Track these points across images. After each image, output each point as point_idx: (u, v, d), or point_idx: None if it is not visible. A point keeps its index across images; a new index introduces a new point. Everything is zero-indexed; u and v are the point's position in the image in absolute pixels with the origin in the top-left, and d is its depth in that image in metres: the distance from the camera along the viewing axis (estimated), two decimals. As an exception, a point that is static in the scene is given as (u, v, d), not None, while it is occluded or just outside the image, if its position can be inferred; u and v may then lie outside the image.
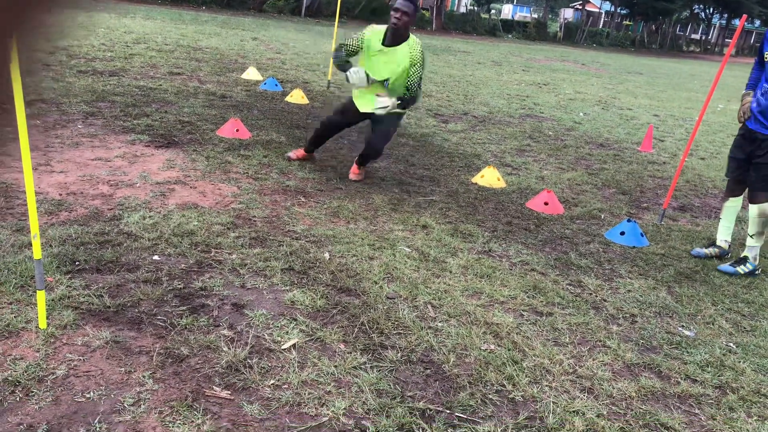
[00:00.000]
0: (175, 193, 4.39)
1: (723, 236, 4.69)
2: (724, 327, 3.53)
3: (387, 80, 5.04)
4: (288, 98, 8.39)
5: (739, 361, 3.14)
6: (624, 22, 55.17)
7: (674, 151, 8.68)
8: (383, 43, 5.01)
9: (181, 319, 2.81)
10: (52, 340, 2.52)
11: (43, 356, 2.41)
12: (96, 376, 2.35)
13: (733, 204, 4.63)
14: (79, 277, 3.03)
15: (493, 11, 57.42)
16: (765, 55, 4.29)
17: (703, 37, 61.33)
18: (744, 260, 4.41)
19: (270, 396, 2.38)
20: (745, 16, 5.25)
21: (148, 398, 2.27)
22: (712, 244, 4.71)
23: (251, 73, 9.79)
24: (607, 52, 36.58)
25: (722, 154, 8.93)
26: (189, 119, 6.50)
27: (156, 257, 3.37)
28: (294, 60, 12.83)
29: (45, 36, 0.47)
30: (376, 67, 5.04)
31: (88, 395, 2.24)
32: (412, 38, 5.03)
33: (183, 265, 3.32)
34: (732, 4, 49.17)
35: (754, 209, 4.37)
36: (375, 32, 5.08)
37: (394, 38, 4.99)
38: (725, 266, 4.42)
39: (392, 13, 4.93)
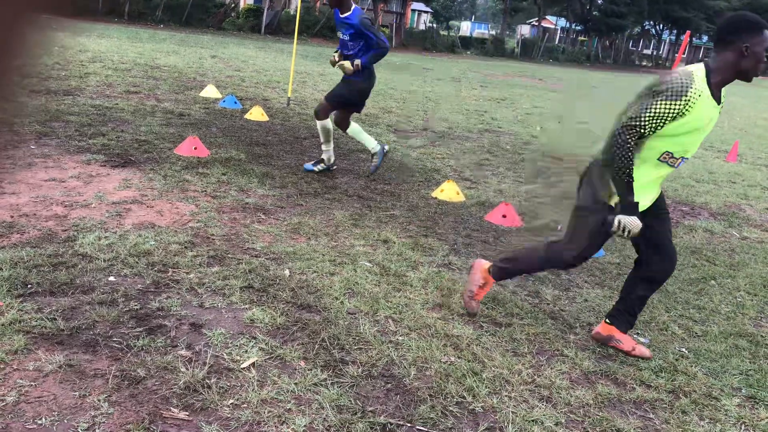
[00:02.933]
0: (132, 212, 4.32)
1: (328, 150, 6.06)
2: (677, 333, 3.62)
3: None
4: (247, 116, 8.37)
5: (691, 366, 3.22)
6: (579, 38, 56.59)
7: (628, 162, 8.92)
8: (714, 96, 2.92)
9: (138, 340, 2.76)
10: (1, 366, 2.45)
11: (-7, 383, 2.34)
12: (48, 402, 2.29)
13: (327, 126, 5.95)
14: (32, 301, 2.96)
15: (452, 28, 58.27)
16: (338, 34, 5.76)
17: (655, 52, 63.27)
18: (321, 161, 6.04)
19: (229, 416, 2.36)
20: (689, 32, 5.46)
21: (104, 422, 2.22)
22: (321, 161, 6.07)
23: (210, 91, 9.74)
24: (564, 67, 37.42)
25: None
26: (146, 138, 6.42)
27: (112, 278, 3.31)
28: (254, 77, 12.81)
29: (18, 54, 0.48)
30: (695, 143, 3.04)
31: (39, 421, 2.18)
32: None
33: (140, 286, 3.27)
34: (680, 21, 50.91)
35: (318, 124, 5.92)
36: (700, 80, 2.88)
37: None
38: (307, 165, 6.08)
39: None
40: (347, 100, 5.81)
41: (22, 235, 3.70)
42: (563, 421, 2.61)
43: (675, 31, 58.47)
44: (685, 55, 58.47)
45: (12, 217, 3.95)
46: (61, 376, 2.45)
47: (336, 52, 5.76)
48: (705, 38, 63.54)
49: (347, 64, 5.61)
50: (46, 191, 4.49)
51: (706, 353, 3.41)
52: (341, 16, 5.61)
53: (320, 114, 5.84)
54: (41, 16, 0.47)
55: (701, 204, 7.02)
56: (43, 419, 2.19)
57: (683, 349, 3.42)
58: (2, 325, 2.70)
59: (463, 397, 2.68)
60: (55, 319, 2.83)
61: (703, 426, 2.72)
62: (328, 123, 5.86)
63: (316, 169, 5.98)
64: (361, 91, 5.82)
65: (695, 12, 50.46)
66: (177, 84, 10.42)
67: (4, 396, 2.28)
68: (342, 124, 5.95)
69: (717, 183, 8.31)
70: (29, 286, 3.09)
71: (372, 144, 6.00)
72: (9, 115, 0.51)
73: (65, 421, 2.20)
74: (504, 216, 5.28)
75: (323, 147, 6.00)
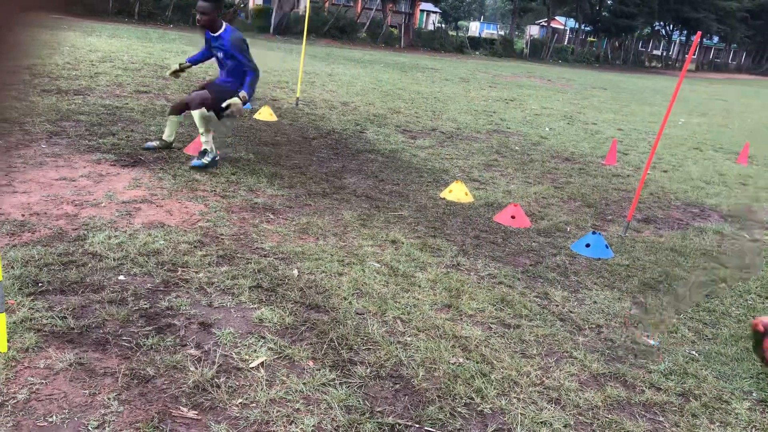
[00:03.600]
0: (142, 212, 4.34)
1: (167, 135, 5.96)
2: (687, 335, 3.60)
3: None
4: (256, 116, 8.38)
5: (702, 369, 3.20)
6: (588, 38, 56.37)
7: (638, 164, 8.87)
8: None
9: (147, 339, 2.77)
10: (13, 364, 2.46)
11: (3, 380, 2.36)
12: (59, 400, 2.31)
13: (175, 119, 5.89)
14: (42, 299, 2.98)
15: (460, 29, 58.22)
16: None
17: (665, 53, 62.95)
18: (204, 153, 5.58)
19: (238, 415, 2.36)
20: (699, 33, 5.42)
21: (113, 420, 2.23)
22: (160, 138, 5.96)
23: (219, 91, 9.75)
24: (572, 68, 37.31)
25: (684, 167, 9.16)
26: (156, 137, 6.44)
27: (121, 277, 3.33)
28: (262, 78, 12.81)
29: (9, 55, 0.47)
30: None
31: (50, 419, 2.19)
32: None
33: (149, 285, 3.29)
34: (691, 21, 50.64)
35: (195, 114, 5.52)
36: None
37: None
38: (195, 161, 5.57)
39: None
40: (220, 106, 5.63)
41: (33, 233, 3.73)
42: (572, 423, 2.60)
43: (685, 32, 58.15)
44: (695, 56, 58.13)
45: (23, 215, 3.97)
46: (71, 374, 2.46)
47: (184, 63, 5.83)
48: (716, 39, 63.16)
49: (239, 103, 5.45)
50: (56, 190, 4.52)
51: (717, 356, 3.39)
52: (212, 34, 5.59)
53: (192, 106, 5.52)
54: (38, 14, 0.47)
55: (711, 206, 6.98)
56: (54, 417, 2.21)
57: (693, 352, 3.41)
58: (14, 323, 2.72)
59: (472, 399, 2.67)
60: (65, 317, 2.84)
61: (713, 429, 2.70)
62: (205, 110, 5.53)
63: (205, 161, 5.57)
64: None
65: (706, 13, 50.14)
66: (186, 84, 10.45)
67: (15, 393, 2.30)
68: (181, 108, 5.77)
69: (727, 185, 8.26)
70: (40, 284, 3.11)
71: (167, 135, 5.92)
72: (9, 113, 0.51)
73: (75, 419, 2.22)
74: (513, 217, 5.27)
75: (205, 137, 5.59)
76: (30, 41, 0.48)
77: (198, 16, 5.46)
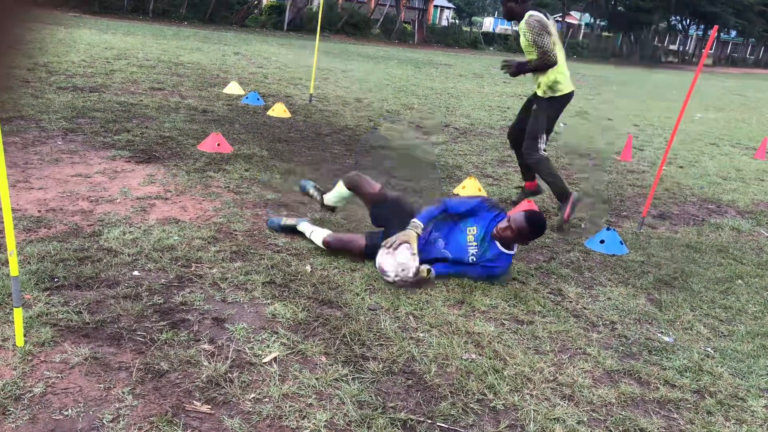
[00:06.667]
0: (156, 208, 4.37)
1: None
2: (702, 332, 3.57)
3: None
4: (270, 112, 8.41)
5: (717, 366, 3.17)
6: (603, 33, 55.91)
7: (653, 160, 8.79)
8: None
9: (161, 334, 2.79)
10: (29, 358, 2.49)
11: (20, 374, 2.39)
12: (74, 393, 2.33)
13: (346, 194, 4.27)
14: (58, 294, 3.01)
15: (474, 24, 58.03)
16: None
17: (681, 48, 62.29)
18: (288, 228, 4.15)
19: (251, 410, 2.37)
20: (716, 27, 5.36)
21: (128, 414, 2.25)
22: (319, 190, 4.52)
23: (233, 88, 9.81)
24: (587, 63, 37.03)
25: (700, 162, 9.06)
26: (170, 134, 6.48)
27: (136, 272, 3.36)
28: (276, 74, 12.87)
29: (24, 52, 0.48)
30: None
31: (66, 413, 2.22)
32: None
33: (163, 280, 3.31)
34: (708, 15, 50.03)
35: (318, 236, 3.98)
36: None
37: None
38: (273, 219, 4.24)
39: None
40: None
41: (49, 229, 3.77)
42: (585, 419, 2.59)
43: (702, 27, 57.47)
44: (712, 51, 57.48)
45: (39, 211, 4.02)
46: (86, 368, 2.48)
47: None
48: (733, 33, 62.38)
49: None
50: (72, 186, 4.56)
51: (733, 353, 3.35)
52: (505, 251, 3.85)
53: (332, 244, 3.96)
54: (36, 10, 0.47)
55: (728, 202, 6.90)
56: (69, 410, 2.23)
57: (709, 349, 3.37)
58: (30, 317, 2.75)
59: (484, 395, 2.67)
60: (80, 312, 2.87)
61: (728, 427, 2.68)
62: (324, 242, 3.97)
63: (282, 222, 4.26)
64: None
65: (723, 6, 49.50)
66: (200, 81, 10.51)
67: (31, 387, 2.33)
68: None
69: (745, 180, 8.17)
70: (56, 279, 3.15)
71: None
72: (12, 107, 0.51)
73: (90, 412, 2.24)
74: (526, 213, 5.24)
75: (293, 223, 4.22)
76: (30, 37, 0.48)
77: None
